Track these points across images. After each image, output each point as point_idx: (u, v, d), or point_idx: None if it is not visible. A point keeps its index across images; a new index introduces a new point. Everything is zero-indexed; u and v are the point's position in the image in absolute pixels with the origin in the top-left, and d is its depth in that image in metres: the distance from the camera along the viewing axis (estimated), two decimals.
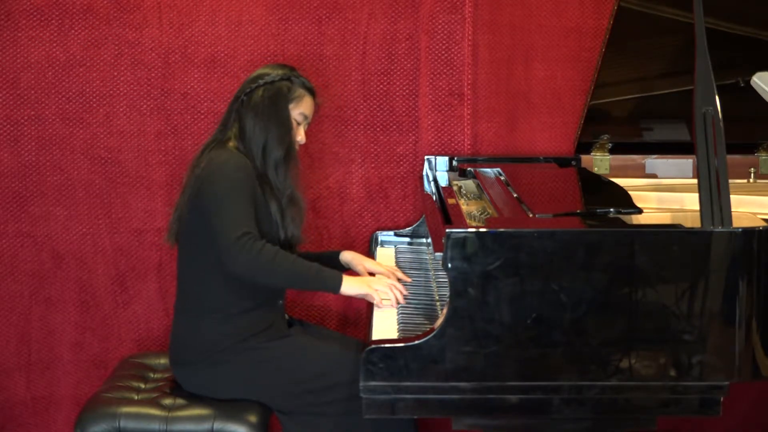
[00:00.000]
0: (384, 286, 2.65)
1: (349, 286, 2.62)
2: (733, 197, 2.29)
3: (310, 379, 2.60)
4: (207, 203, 2.58)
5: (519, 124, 3.41)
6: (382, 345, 2.27)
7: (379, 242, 3.33)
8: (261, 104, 2.72)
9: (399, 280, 2.77)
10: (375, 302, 2.62)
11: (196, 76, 3.31)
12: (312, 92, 2.81)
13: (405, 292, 2.68)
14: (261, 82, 2.74)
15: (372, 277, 2.74)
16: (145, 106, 3.31)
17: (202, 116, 3.32)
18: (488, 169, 3.11)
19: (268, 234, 2.67)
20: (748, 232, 2.25)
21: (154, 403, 2.63)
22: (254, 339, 2.64)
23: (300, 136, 2.80)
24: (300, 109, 2.77)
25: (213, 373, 2.63)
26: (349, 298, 3.37)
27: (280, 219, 2.70)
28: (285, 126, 2.74)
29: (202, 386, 2.65)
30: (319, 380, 2.59)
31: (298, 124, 2.79)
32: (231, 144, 2.72)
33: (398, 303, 2.63)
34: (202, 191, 2.61)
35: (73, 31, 3.26)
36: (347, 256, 2.93)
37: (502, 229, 2.26)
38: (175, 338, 2.72)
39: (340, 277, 2.62)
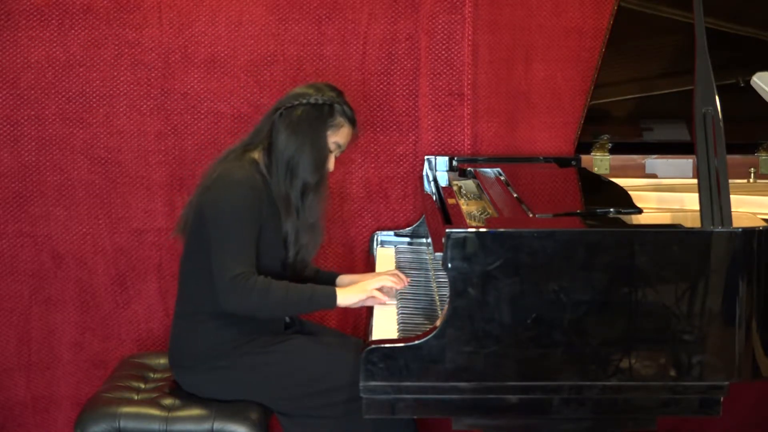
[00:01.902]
0: (379, 282, 2.62)
1: (345, 298, 2.59)
2: (733, 197, 2.29)
3: (309, 381, 2.59)
4: (210, 231, 2.56)
5: (519, 124, 3.41)
6: (382, 345, 2.27)
7: (379, 242, 3.33)
8: (299, 124, 2.64)
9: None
10: (382, 301, 2.60)
11: (196, 76, 3.31)
12: (353, 122, 2.73)
13: (405, 280, 2.66)
14: (304, 101, 2.66)
15: (365, 281, 2.67)
16: (145, 106, 3.31)
17: (202, 116, 3.32)
18: (488, 169, 3.11)
19: (274, 254, 2.65)
20: (748, 232, 2.25)
21: (154, 403, 2.63)
22: (252, 344, 2.63)
23: (330, 164, 2.73)
24: (335, 138, 2.70)
25: (212, 377, 2.63)
26: None
27: (294, 240, 2.67)
28: (321, 153, 2.67)
29: (202, 390, 2.64)
30: (319, 383, 2.59)
31: (330, 152, 2.71)
32: (255, 155, 2.67)
33: (402, 286, 2.63)
34: (205, 209, 2.59)
35: (73, 31, 3.26)
36: (345, 281, 2.86)
37: (502, 229, 2.26)
38: (174, 342, 2.72)
39: (334, 292, 2.59)
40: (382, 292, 2.62)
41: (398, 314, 2.58)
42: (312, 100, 2.67)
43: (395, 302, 2.63)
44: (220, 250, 2.54)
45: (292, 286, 2.60)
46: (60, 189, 3.31)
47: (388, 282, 2.63)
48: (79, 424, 2.57)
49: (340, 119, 2.69)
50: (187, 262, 2.71)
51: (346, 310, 3.42)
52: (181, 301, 2.73)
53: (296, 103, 2.67)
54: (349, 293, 2.61)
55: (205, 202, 2.60)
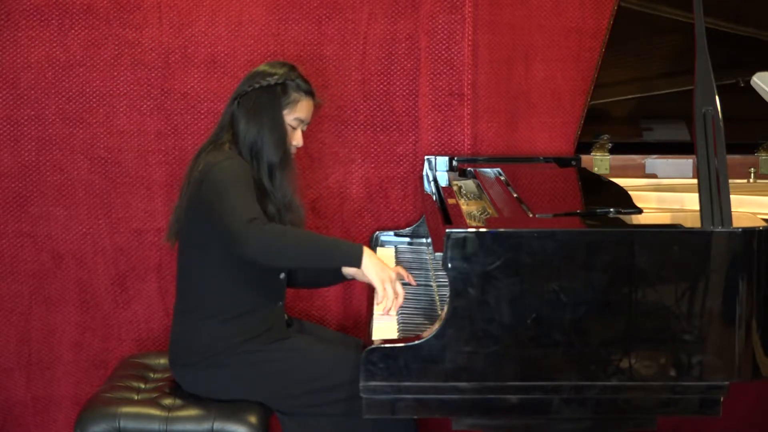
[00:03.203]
0: (392, 290, 2.54)
1: (369, 267, 2.50)
2: (733, 197, 2.29)
3: (310, 380, 2.59)
4: (209, 198, 2.55)
5: (519, 124, 3.41)
6: (382, 345, 2.27)
7: (379, 242, 3.33)
8: (254, 109, 2.67)
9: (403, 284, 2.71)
10: (376, 300, 2.55)
11: (196, 76, 3.31)
12: (309, 93, 2.75)
13: (400, 302, 2.58)
14: (256, 85, 2.69)
15: (391, 273, 2.55)
16: (145, 106, 3.31)
17: (202, 116, 3.32)
18: (488, 169, 3.11)
19: None
20: (748, 232, 2.25)
21: (154, 403, 2.63)
22: (253, 341, 2.63)
23: (296, 140, 2.75)
24: (295, 114, 2.72)
25: (212, 374, 2.62)
26: (349, 298, 3.38)
27: (279, 222, 2.67)
28: (279, 133, 2.68)
29: (201, 388, 2.64)
30: (319, 381, 2.59)
31: (294, 128, 2.73)
32: (226, 147, 2.68)
33: (390, 312, 2.54)
34: (201, 191, 2.59)
35: (73, 31, 3.26)
36: (350, 269, 2.76)
37: (502, 229, 2.27)
38: (174, 340, 2.72)
39: (360, 249, 2.51)
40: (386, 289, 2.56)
41: (398, 314, 2.58)
42: (264, 83, 2.68)
43: (394, 316, 2.60)
44: (228, 205, 2.49)
45: (313, 233, 2.62)
46: (60, 189, 3.31)
47: (390, 294, 2.54)
48: (79, 424, 2.57)
49: (294, 95, 2.71)
50: (183, 260, 2.71)
51: (346, 309, 3.42)
52: (180, 299, 2.73)
53: (249, 89, 2.69)
54: (373, 266, 2.50)
55: (202, 190, 2.58)
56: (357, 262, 2.52)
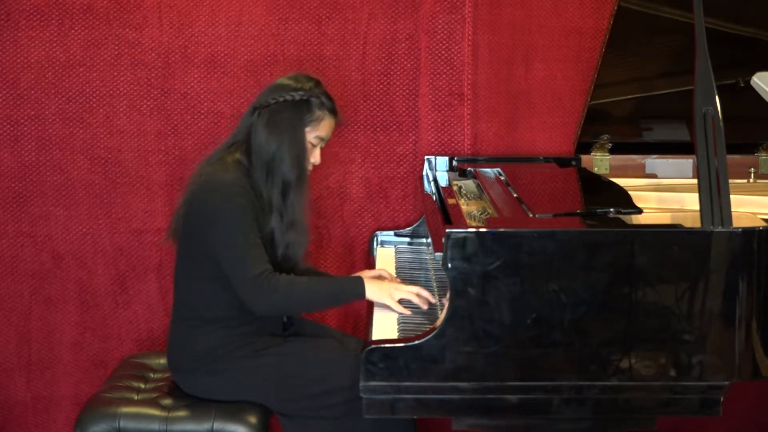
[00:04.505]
0: (406, 295, 2.59)
1: (372, 293, 2.59)
2: (733, 197, 2.29)
3: (308, 383, 2.59)
4: (213, 238, 2.54)
5: (519, 124, 3.41)
6: (382, 345, 2.27)
7: (379, 242, 3.33)
8: (275, 123, 2.61)
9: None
10: (399, 311, 2.57)
11: (196, 76, 3.31)
12: (333, 112, 2.68)
13: (430, 298, 2.60)
14: (280, 98, 2.62)
15: (394, 286, 2.63)
16: (145, 106, 3.31)
17: (202, 116, 3.32)
18: (488, 169, 3.11)
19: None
20: (748, 232, 2.25)
21: (153, 403, 2.63)
22: (252, 346, 2.62)
23: (315, 158, 2.70)
24: (317, 133, 2.67)
25: (212, 380, 2.62)
26: None
27: (280, 239, 2.63)
28: (298, 150, 2.63)
29: (201, 391, 2.64)
30: (319, 384, 2.58)
31: (313, 146, 2.68)
32: (236, 156, 2.64)
33: (428, 305, 2.58)
34: (200, 217, 2.57)
35: (73, 31, 3.26)
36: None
37: (502, 229, 2.26)
38: (173, 346, 2.71)
39: (361, 282, 2.59)
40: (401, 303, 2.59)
41: (398, 314, 2.58)
42: (288, 97, 2.62)
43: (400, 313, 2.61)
44: (233, 255, 2.53)
45: (316, 280, 2.62)
46: (60, 189, 3.31)
47: (415, 299, 2.58)
48: (79, 424, 2.57)
49: (318, 113, 2.65)
50: (180, 267, 2.70)
51: (346, 309, 3.42)
52: (177, 305, 2.72)
53: (272, 102, 2.63)
54: (375, 291, 2.59)
55: (198, 209, 2.59)
56: (362, 295, 2.59)
